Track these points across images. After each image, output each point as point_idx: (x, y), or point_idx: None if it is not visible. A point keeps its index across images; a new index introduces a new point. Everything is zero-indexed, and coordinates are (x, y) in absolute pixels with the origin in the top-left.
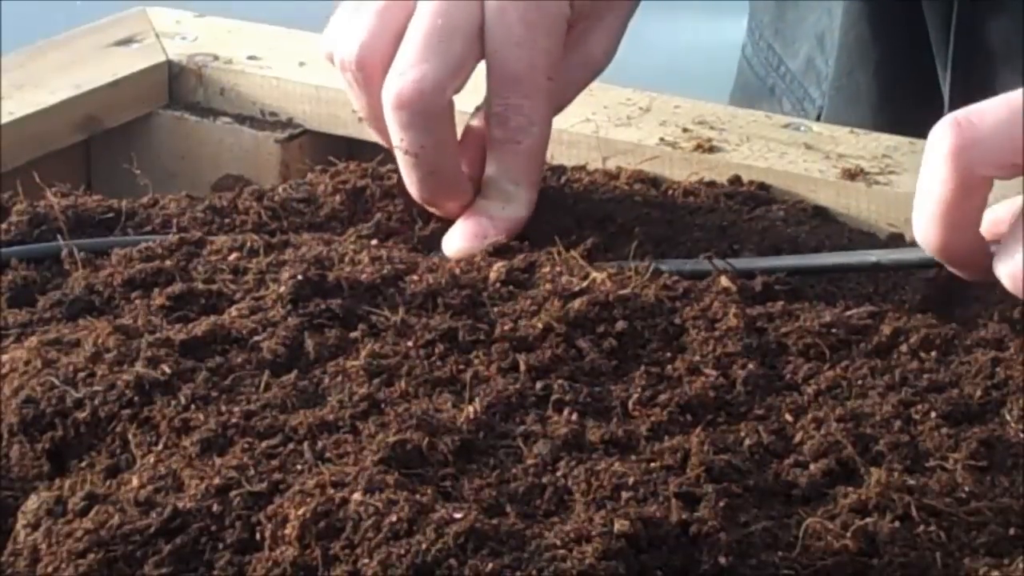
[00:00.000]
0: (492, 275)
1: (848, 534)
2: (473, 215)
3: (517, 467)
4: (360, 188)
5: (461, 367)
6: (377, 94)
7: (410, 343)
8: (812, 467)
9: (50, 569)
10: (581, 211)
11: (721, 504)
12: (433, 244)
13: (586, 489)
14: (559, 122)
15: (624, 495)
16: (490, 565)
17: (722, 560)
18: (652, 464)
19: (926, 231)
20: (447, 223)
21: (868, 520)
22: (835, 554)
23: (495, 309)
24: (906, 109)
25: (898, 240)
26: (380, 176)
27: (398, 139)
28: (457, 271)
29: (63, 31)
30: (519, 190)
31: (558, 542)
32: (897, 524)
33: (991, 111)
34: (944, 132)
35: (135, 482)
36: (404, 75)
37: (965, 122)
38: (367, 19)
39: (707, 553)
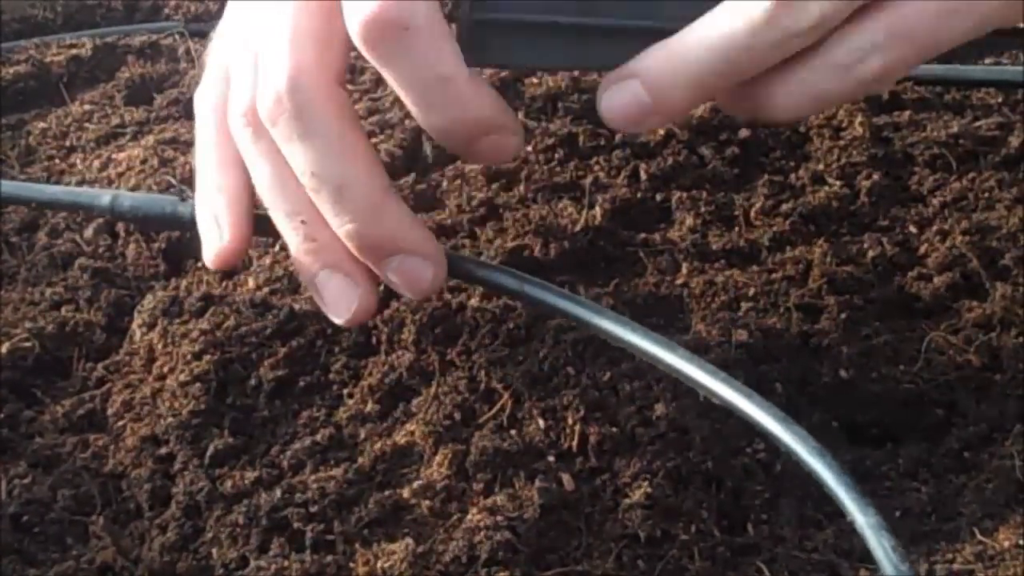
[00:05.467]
0: None
1: (972, 349)
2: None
3: (635, 276)
4: None
5: (581, 173)
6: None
7: (529, 147)
8: (936, 280)
9: (166, 369)
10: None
11: (843, 316)
12: None
13: (707, 301)
14: None
15: (744, 305)
16: (608, 373)
17: (843, 373)
18: (773, 275)
19: None
20: None
21: (992, 335)
22: (958, 368)
23: None
24: None
25: None
26: None
27: (392, 73)
28: (577, 74)
29: None
30: None
31: None
32: (1022, 339)
33: None
34: None
35: (251, 283)
36: None
37: None
38: None
39: (827, 365)
